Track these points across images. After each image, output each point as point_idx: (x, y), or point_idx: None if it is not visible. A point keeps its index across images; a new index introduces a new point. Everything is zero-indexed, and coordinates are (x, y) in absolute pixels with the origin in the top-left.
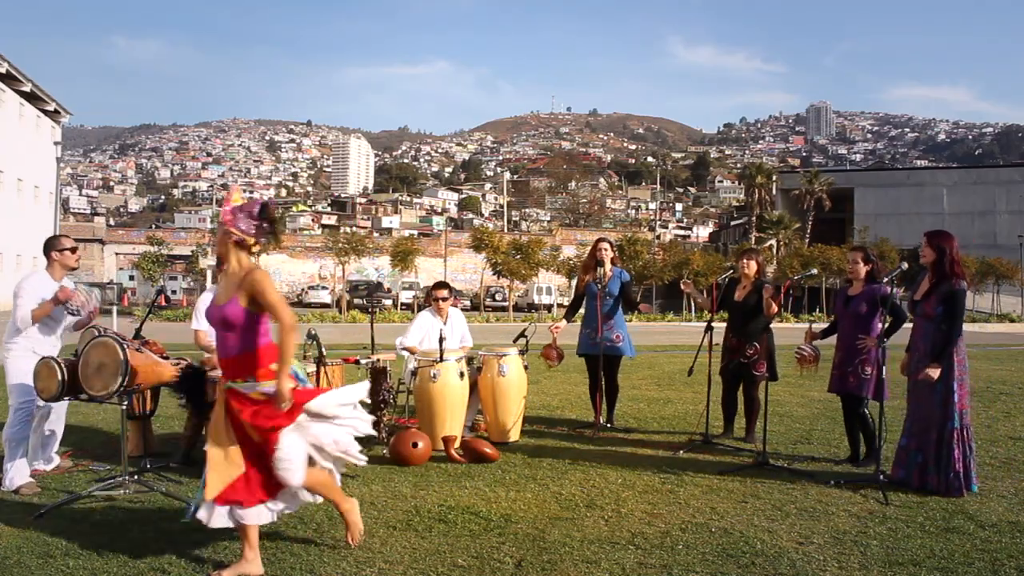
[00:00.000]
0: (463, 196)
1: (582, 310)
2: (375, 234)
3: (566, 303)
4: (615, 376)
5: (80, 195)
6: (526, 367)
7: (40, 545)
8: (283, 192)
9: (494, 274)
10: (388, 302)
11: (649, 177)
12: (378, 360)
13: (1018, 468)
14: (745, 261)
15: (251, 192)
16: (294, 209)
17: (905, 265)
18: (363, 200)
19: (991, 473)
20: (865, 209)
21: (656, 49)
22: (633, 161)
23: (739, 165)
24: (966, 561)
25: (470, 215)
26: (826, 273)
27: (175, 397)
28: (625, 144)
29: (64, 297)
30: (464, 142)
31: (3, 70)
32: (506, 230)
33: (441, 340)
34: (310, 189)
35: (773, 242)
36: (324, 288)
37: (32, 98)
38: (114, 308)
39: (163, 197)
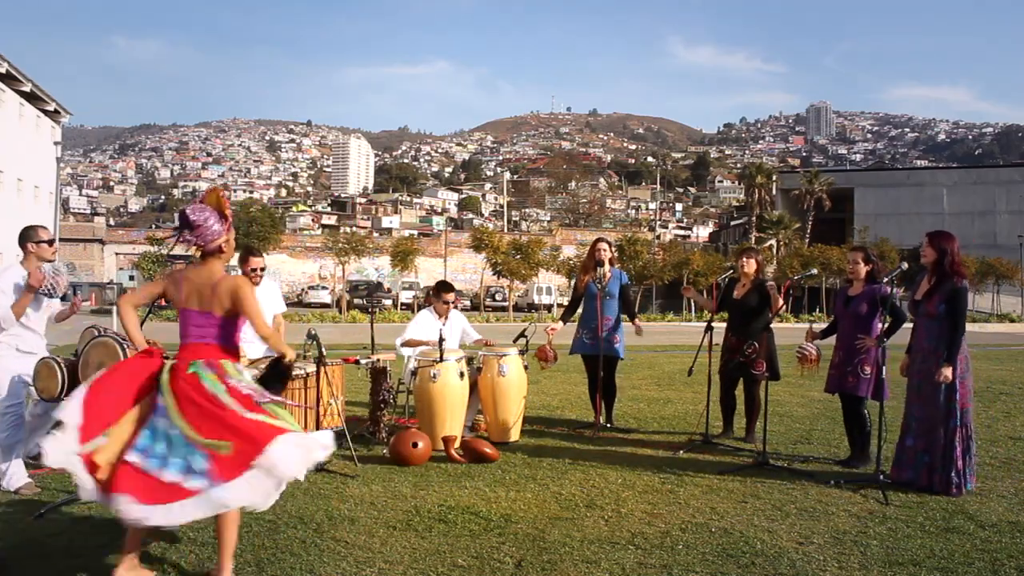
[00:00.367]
0: (463, 196)
1: (580, 310)
2: (375, 234)
3: (566, 303)
4: (613, 377)
5: (80, 195)
6: (526, 367)
7: (40, 545)
8: (283, 192)
9: (494, 274)
10: (388, 302)
11: (649, 177)
12: (378, 360)
13: (1018, 468)
14: (744, 260)
15: (251, 192)
16: (294, 209)
17: (905, 265)
18: (363, 200)
19: (991, 473)
20: (865, 209)
21: (656, 49)
22: (633, 161)
23: (739, 165)
24: (966, 561)
25: (470, 215)
26: (826, 273)
27: None
28: (625, 144)
29: (36, 282)
30: (464, 142)
31: (3, 70)
32: (506, 230)
33: (441, 340)
34: (310, 189)
35: (773, 242)
36: (324, 288)
37: (32, 98)
38: (114, 308)
39: (163, 197)
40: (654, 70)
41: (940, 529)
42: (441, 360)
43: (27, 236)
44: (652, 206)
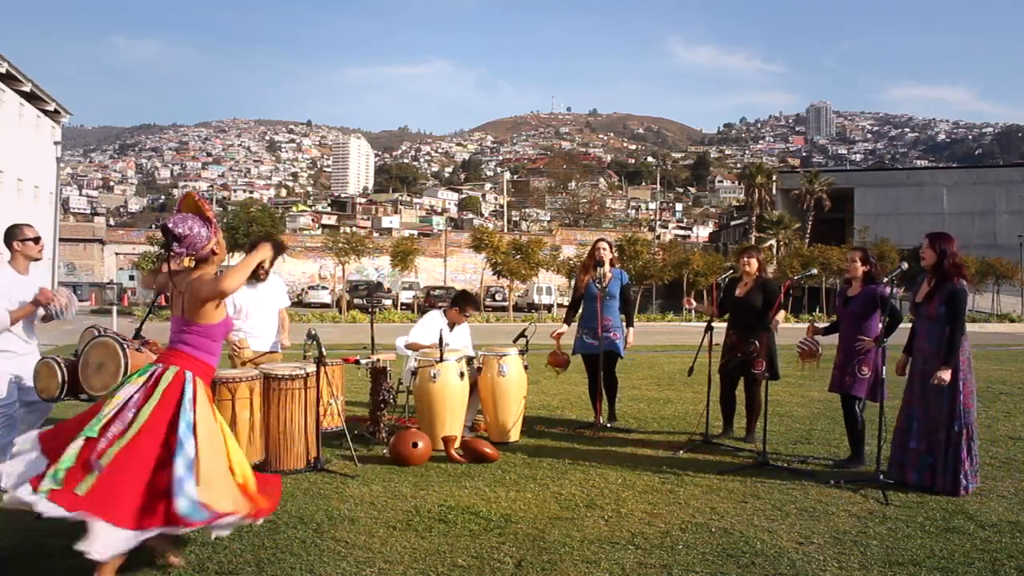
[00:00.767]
0: (463, 196)
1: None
2: (375, 234)
3: (566, 303)
4: (613, 371)
5: (80, 195)
6: (526, 367)
7: (40, 545)
8: (283, 192)
9: (494, 274)
10: (388, 302)
11: (649, 177)
12: (378, 360)
13: (1018, 468)
14: (746, 259)
15: (251, 192)
16: (294, 209)
17: (905, 265)
18: (363, 200)
19: (991, 473)
20: (865, 209)
21: (656, 49)
22: (633, 161)
23: (739, 165)
24: (966, 561)
25: (470, 215)
26: (826, 273)
27: None
28: (625, 144)
29: (45, 300)
30: (464, 142)
31: (3, 70)
32: (506, 230)
33: (441, 340)
34: (310, 189)
35: (773, 242)
36: (324, 288)
37: (32, 98)
38: (114, 308)
39: (163, 197)
40: (654, 70)
41: (940, 529)
42: (441, 360)
43: (12, 235)
44: (652, 206)
